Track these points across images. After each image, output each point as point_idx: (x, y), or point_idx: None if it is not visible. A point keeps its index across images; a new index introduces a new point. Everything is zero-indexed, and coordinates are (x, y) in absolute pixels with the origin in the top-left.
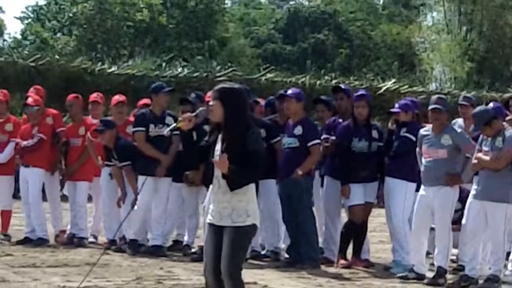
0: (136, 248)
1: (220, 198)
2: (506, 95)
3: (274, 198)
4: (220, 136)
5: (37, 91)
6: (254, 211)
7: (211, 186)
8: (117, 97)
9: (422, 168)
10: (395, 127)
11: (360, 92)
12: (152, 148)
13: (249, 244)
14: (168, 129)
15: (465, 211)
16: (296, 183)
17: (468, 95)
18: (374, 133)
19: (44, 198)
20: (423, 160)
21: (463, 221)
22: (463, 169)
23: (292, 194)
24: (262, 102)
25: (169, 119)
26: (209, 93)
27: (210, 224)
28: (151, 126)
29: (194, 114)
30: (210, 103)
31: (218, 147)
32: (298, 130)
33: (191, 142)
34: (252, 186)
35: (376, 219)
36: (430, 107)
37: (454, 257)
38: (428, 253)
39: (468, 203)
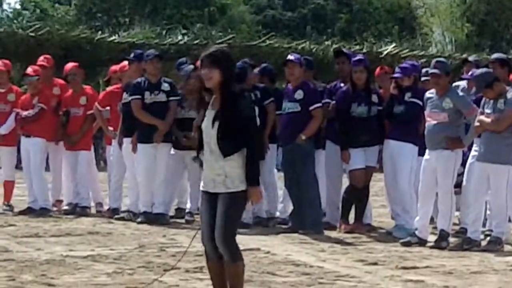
0: (147, 218)
1: (213, 165)
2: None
3: (270, 164)
4: (210, 104)
5: (47, 60)
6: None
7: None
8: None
9: (425, 132)
10: (397, 91)
11: (357, 57)
12: (148, 115)
13: (243, 210)
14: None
15: (465, 173)
16: (299, 148)
17: (471, 59)
18: (374, 98)
19: (48, 168)
20: (426, 124)
21: (464, 183)
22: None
23: (295, 159)
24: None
25: (165, 86)
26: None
27: (205, 192)
28: (147, 93)
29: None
30: (206, 70)
31: (209, 115)
32: (299, 94)
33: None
34: (244, 151)
35: (378, 183)
36: (429, 71)
37: (456, 220)
38: (431, 218)
39: (468, 165)
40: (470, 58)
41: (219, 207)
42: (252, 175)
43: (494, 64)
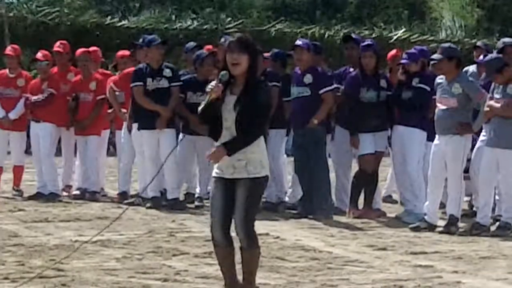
0: (157, 204)
1: None
2: None
3: (275, 149)
4: (228, 90)
5: (64, 46)
6: (266, 162)
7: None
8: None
9: (435, 117)
10: (405, 77)
11: (366, 42)
12: (150, 102)
13: (262, 196)
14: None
15: (473, 158)
16: (311, 132)
17: (479, 44)
18: (383, 83)
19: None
20: (436, 109)
21: (470, 168)
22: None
23: (306, 144)
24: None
25: (166, 72)
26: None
27: (220, 178)
28: (149, 80)
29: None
30: (235, 55)
31: (230, 100)
32: (308, 78)
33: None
34: (262, 137)
35: (387, 168)
36: (432, 57)
37: (465, 206)
38: (441, 203)
39: (475, 149)
40: (479, 43)
41: (239, 193)
42: (233, 144)
43: None
